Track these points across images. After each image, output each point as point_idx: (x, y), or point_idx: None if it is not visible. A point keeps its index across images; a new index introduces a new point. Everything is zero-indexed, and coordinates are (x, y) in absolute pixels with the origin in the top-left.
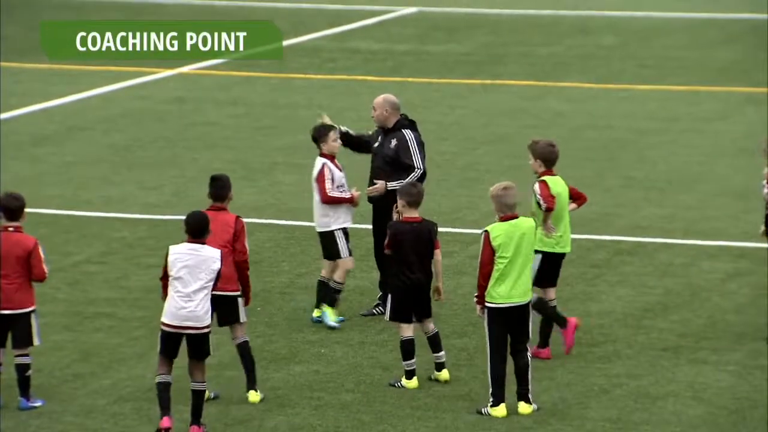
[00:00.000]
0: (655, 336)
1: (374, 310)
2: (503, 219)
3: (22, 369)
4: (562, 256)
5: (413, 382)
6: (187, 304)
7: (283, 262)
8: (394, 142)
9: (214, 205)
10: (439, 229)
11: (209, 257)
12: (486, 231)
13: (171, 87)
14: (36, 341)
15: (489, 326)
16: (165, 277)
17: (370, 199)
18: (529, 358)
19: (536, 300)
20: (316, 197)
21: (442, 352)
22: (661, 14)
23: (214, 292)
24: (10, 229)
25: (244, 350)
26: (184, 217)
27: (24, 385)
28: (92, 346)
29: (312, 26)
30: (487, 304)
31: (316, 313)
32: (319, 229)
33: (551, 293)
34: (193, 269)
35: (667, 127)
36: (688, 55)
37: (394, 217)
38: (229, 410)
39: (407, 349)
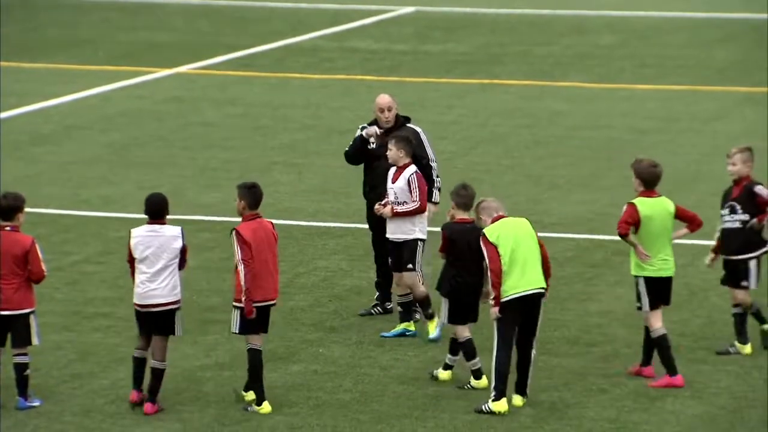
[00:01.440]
0: None
1: (372, 310)
2: (494, 220)
3: (20, 368)
4: (669, 279)
5: (483, 382)
6: (152, 284)
7: (280, 262)
8: None
9: (251, 214)
10: (436, 229)
11: (170, 236)
12: (482, 233)
13: (168, 86)
14: (35, 341)
15: (499, 321)
16: (131, 260)
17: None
18: (533, 355)
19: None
20: None
21: (457, 358)
22: (660, 14)
23: (262, 304)
24: (7, 228)
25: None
26: (181, 217)
27: (22, 384)
28: (90, 346)
29: (310, 26)
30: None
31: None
32: None
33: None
34: (156, 250)
35: (665, 126)
36: (687, 55)
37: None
38: (227, 411)
39: (469, 349)
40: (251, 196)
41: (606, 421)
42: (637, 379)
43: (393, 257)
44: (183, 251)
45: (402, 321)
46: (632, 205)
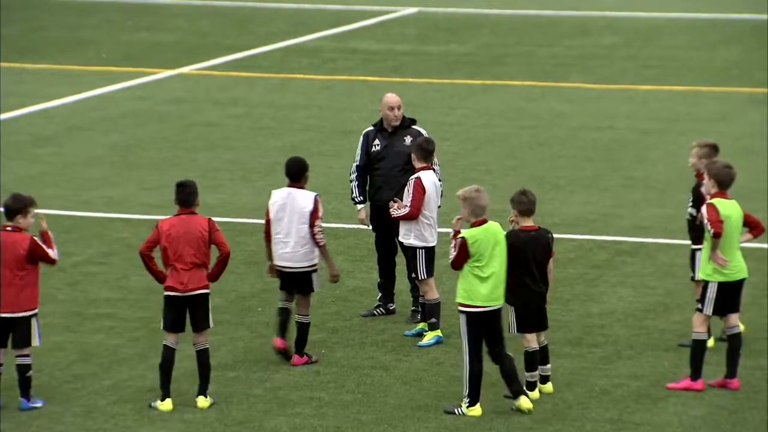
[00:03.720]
0: (656, 336)
1: (374, 311)
2: (476, 224)
3: (22, 369)
4: (740, 282)
5: (535, 393)
6: (286, 247)
7: None
8: (408, 138)
9: (180, 210)
10: (438, 230)
11: (302, 201)
12: (463, 237)
13: (171, 87)
14: (36, 342)
15: (468, 328)
16: (268, 221)
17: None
18: (512, 356)
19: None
20: None
21: (549, 365)
22: (662, 14)
23: (176, 294)
24: (8, 228)
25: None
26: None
27: (24, 385)
28: (92, 347)
29: (312, 27)
30: (466, 309)
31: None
32: None
33: (733, 319)
34: (285, 213)
35: (667, 127)
36: (689, 56)
37: (392, 212)
38: (229, 411)
39: (531, 360)
40: (177, 193)
41: (608, 422)
42: (639, 380)
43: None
44: (314, 216)
45: (431, 329)
46: (713, 206)
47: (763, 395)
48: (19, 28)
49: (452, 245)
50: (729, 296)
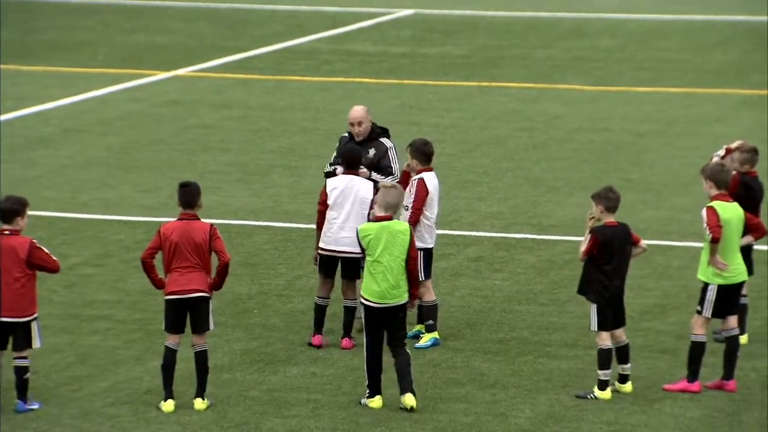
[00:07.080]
0: (652, 338)
1: None
2: (376, 219)
3: (20, 372)
4: (740, 285)
5: (607, 393)
6: (343, 231)
7: (280, 265)
8: (372, 151)
9: (183, 213)
10: (437, 231)
11: (362, 187)
12: (357, 228)
13: (167, 89)
14: (36, 344)
15: (366, 320)
16: (324, 207)
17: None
18: (409, 354)
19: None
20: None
21: (629, 365)
22: (658, 17)
23: (175, 297)
24: (6, 232)
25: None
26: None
27: (22, 387)
28: (89, 349)
29: (309, 29)
30: (363, 301)
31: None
32: None
33: (731, 321)
34: (346, 198)
35: (663, 129)
36: (685, 58)
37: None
38: (226, 413)
39: (606, 358)
40: (180, 194)
41: (604, 424)
42: (636, 382)
43: None
44: (372, 205)
45: (428, 331)
46: (713, 209)
47: (760, 397)
48: (16, 30)
49: None
50: (728, 299)
